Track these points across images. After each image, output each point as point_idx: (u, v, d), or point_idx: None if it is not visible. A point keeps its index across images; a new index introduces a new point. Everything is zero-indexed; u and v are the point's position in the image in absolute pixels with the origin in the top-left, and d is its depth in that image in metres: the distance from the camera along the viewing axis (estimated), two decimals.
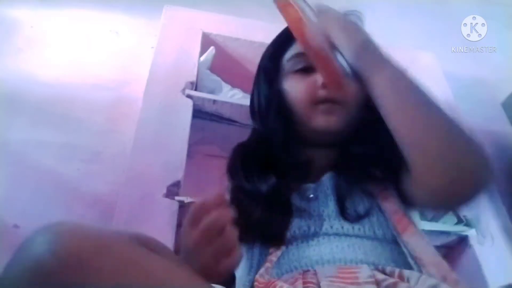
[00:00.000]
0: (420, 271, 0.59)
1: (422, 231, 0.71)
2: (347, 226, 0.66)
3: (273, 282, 0.58)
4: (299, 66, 0.75)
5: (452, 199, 0.60)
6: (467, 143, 0.59)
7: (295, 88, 0.74)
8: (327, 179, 0.72)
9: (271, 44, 0.83)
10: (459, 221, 1.25)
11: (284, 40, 0.78)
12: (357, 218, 0.66)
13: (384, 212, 0.67)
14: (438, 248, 1.28)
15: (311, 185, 0.73)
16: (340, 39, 0.62)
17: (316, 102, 0.71)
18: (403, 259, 0.63)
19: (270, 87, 0.77)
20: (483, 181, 0.59)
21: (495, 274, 1.18)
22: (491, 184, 0.60)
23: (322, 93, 0.71)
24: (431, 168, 0.57)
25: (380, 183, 0.70)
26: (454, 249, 1.30)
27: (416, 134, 0.58)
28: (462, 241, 1.28)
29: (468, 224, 1.25)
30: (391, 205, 0.67)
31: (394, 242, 0.65)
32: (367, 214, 0.66)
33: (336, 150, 0.75)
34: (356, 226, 0.66)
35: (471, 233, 1.25)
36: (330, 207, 0.69)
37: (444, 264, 0.59)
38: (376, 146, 0.70)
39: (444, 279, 0.56)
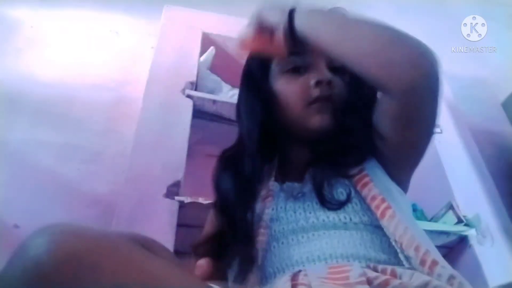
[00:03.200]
0: (404, 255, 0.60)
1: (410, 212, 0.73)
2: (333, 215, 0.67)
3: None
4: (289, 66, 0.75)
5: (410, 96, 0.64)
6: (395, 38, 0.66)
7: (287, 89, 0.75)
8: (310, 176, 0.73)
9: None
10: (459, 221, 1.25)
11: None
12: (338, 205, 0.67)
13: (364, 199, 0.68)
14: (438, 248, 1.28)
15: (297, 185, 0.73)
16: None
17: (310, 102, 0.72)
18: (390, 247, 0.63)
19: (259, 88, 0.78)
20: (424, 65, 0.64)
21: (495, 274, 1.18)
22: (437, 69, 0.64)
23: (315, 92, 0.72)
24: (377, 73, 0.64)
25: (355, 167, 0.71)
26: (454, 249, 1.30)
27: (355, 53, 0.65)
28: (462, 241, 1.28)
29: (468, 224, 1.25)
30: (369, 191, 0.67)
31: (381, 229, 0.65)
32: (347, 200, 0.67)
33: (310, 145, 0.76)
34: (342, 215, 0.66)
35: (471, 233, 1.25)
36: (313, 199, 0.70)
37: (422, 246, 0.59)
38: (346, 134, 0.74)
39: (423, 262, 0.57)
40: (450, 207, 1.28)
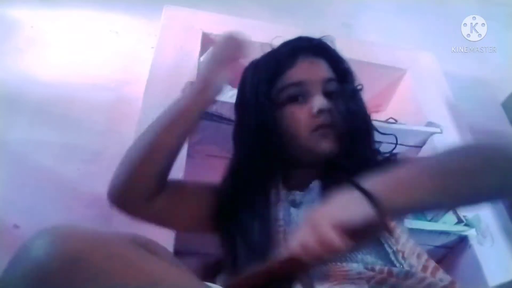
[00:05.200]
0: (402, 266, 0.62)
1: (404, 227, 0.75)
2: None
3: None
4: (292, 94, 0.78)
5: None
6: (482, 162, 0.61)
7: (292, 117, 0.78)
8: (315, 187, 0.77)
9: (257, 75, 0.82)
10: (459, 221, 1.25)
11: (273, 71, 0.80)
12: None
13: None
14: (438, 248, 1.29)
15: (298, 193, 0.77)
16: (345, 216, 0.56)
17: (313, 129, 0.76)
18: (386, 256, 0.65)
19: (263, 117, 0.79)
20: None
21: (495, 274, 1.18)
22: None
23: (318, 120, 0.75)
24: None
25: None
26: (454, 249, 1.30)
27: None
28: (462, 241, 1.27)
29: (468, 224, 1.25)
30: None
31: (378, 240, 0.67)
32: None
33: (316, 165, 0.80)
34: None
35: (471, 233, 1.25)
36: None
37: (424, 254, 0.62)
38: (359, 158, 0.77)
39: (425, 268, 0.59)
40: None
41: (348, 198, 0.56)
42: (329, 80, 0.79)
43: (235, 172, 0.81)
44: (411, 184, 0.58)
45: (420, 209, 0.66)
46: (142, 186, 0.73)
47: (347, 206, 0.55)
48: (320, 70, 0.80)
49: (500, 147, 0.64)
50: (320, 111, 0.75)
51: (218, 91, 0.76)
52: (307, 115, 0.76)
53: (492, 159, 0.62)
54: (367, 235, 0.57)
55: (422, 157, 0.71)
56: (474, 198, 0.62)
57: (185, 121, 0.74)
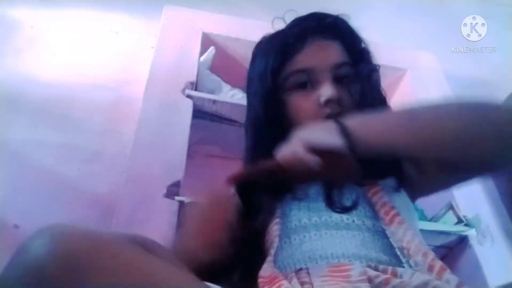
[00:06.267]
0: (407, 262, 0.61)
1: (417, 224, 0.75)
2: (335, 215, 0.69)
3: (276, 278, 0.58)
4: (300, 81, 0.76)
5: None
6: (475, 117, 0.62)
7: (299, 106, 0.75)
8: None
9: (265, 59, 0.80)
10: (459, 221, 1.25)
11: (280, 56, 0.77)
12: (344, 210, 0.69)
13: (373, 206, 0.69)
14: (438, 248, 1.29)
15: (301, 186, 0.75)
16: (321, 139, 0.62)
17: (321, 119, 0.73)
18: (391, 250, 0.64)
19: (269, 104, 0.77)
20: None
21: (495, 274, 1.18)
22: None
23: (326, 110, 0.72)
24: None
25: (371, 180, 0.73)
26: (454, 249, 1.30)
27: (436, 143, 0.63)
28: (462, 241, 1.28)
29: (468, 224, 1.25)
30: (379, 199, 0.69)
31: (382, 233, 0.66)
32: (353, 207, 0.69)
33: None
34: (345, 216, 0.68)
35: (471, 233, 1.25)
36: (319, 202, 0.72)
37: (430, 252, 0.60)
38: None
39: (431, 267, 0.58)
40: (450, 207, 1.28)
41: (324, 126, 0.64)
42: (340, 64, 0.75)
43: (246, 161, 0.80)
44: (386, 124, 0.63)
45: (392, 151, 0.63)
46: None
47: (320, 131, 0.63)
48: (330, 55, 0.75)
49: (497, 105, 0.65)
50: (328, 101, 0.72)
51: None
52: (315, 104, 0.73)
53: (491, 117, 0.62)
54: (336, 162, 0.62)
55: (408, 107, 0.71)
56: (460, 153, 0.63)
57: None
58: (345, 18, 0.80)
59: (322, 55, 0.75)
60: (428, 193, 0.79)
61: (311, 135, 0.63)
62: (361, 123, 0.63)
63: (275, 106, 0.76)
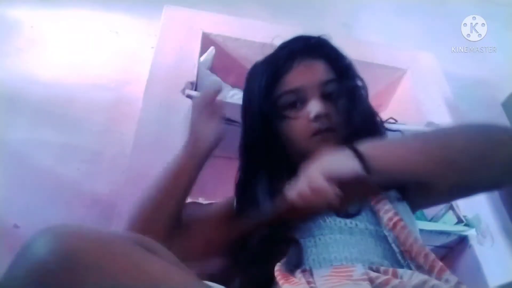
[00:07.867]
0: (408, 265, 0.63)
1: (418, 230, 0.76)
2: (339, 219, 0.70)
3: (291, 276, 0.61)
4: (289, 101, 0.78)
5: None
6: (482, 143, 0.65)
7: (290, 125, 0.78)
8: None
9: (257, 83, 0.82)
10: (459, 221, 1.25)
11: (271, 79, 0.80)
12: (347, 216, 0.71)
13: (376, 212, 0.71)
14: (438, 248, 1.29)
15: None
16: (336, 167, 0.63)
17: (312, 134, 0.76)
18: (393, 255, 0.66)
19: (263, 125, 0.80)
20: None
21: (495, 274, 1.18)
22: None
23: (315, 125, 0.75)
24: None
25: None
26: (454, 249, 1.30)
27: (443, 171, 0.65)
28: (462, 241, 1.27)
29: (468, 224, 1.25)
30: (383, 206, 0.71)
31: (384, 239, 0.68)
32: (357, 214, 0.71)
33: None
34: (348, 220, 0.70)
35: (471, 233, 1.25)
36: None
37: (431, 254, 0.62)
38: None
39: (432, 267, 0.60)
40: (450, 207, 1.28)
41: (339, 154, 0.64)
42: (327, 82, 0.78)
43: (243, 182, 0.82)
44: (401, 149, 0.65)
45: (408, 175, 0.65)
46: (157, 230, 0.72)
47: (337, 160, 0.63)
48: (317, 73, 0.79)
49: (506, 127, 0.67)
50: (317, 117, 0.74)
51: (211, 141, 0.78)
52: (305, 121, 0.76)
53: (500, 139, 0.65)
54: (355, 189, 0.62)
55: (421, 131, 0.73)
56: (476, 177, 0.65)
57: (184, 177, 0.76)
58: (327, 38, 0.83)
59: (309, 74, 0.78)
60: (431, 206, 0.81)
61: (332, 165, 0.62)
62: (374, 148, 0.65)
63: (268, 128, 0.79)
